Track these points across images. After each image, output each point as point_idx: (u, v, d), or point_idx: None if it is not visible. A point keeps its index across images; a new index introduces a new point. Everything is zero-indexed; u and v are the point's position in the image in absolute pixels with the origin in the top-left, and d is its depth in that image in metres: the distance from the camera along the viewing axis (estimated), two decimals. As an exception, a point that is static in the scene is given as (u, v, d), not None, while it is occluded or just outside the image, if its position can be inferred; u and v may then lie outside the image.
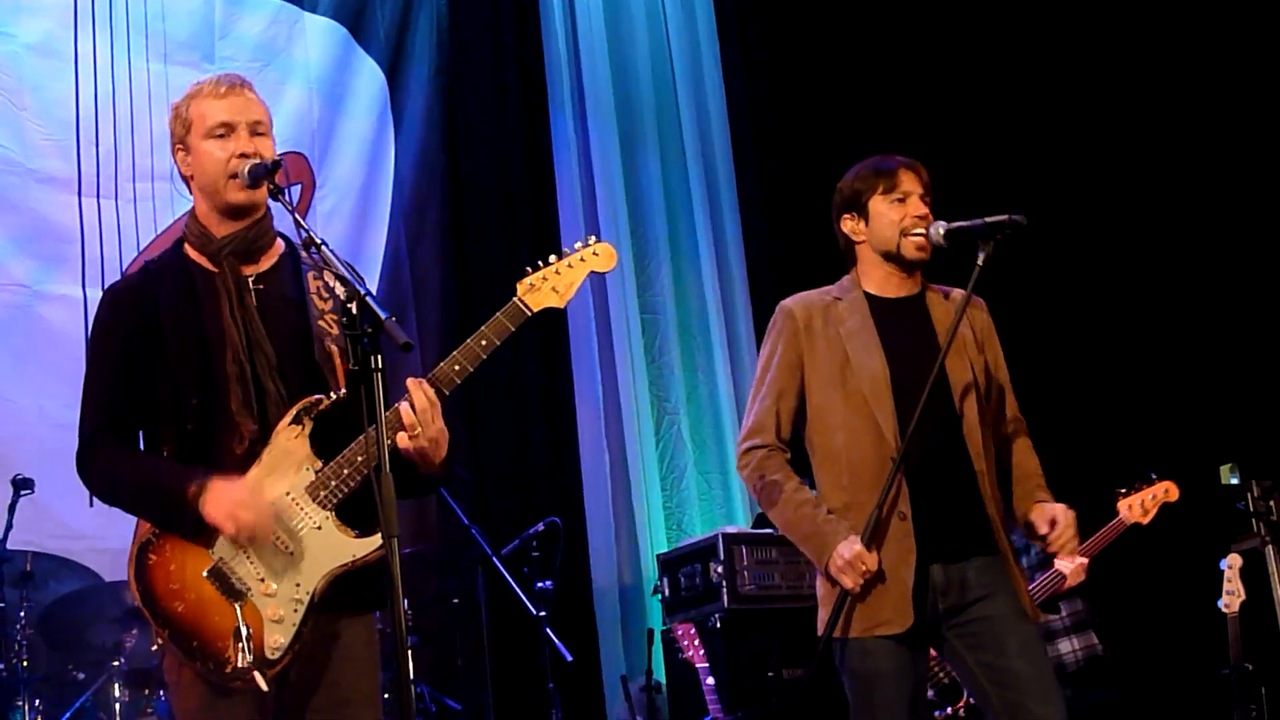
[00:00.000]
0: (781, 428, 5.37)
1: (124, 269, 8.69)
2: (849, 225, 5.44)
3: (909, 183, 5.36)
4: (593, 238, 4.72)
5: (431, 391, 4.32)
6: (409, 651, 6.66)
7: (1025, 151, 9.91)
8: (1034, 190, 9.84)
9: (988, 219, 5.13)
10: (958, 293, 5.42)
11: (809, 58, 11.31)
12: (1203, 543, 7.68)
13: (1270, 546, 7.45)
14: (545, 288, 4.53)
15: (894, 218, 5.32)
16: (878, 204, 5.36)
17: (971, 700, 6.72)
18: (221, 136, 4.41)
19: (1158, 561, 8.59)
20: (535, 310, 4.50)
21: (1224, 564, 7.32)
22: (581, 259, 4.64)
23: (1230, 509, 7.57)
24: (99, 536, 7.56)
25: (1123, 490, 7.46)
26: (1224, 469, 7.70)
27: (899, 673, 5.13)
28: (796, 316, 5.42)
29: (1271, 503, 7.52)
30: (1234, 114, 9.64)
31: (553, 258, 4.57)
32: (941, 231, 5.24)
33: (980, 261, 5.13)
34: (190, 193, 4.57)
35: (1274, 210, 9.59)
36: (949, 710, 7.40)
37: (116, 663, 7.28)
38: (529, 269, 4.54)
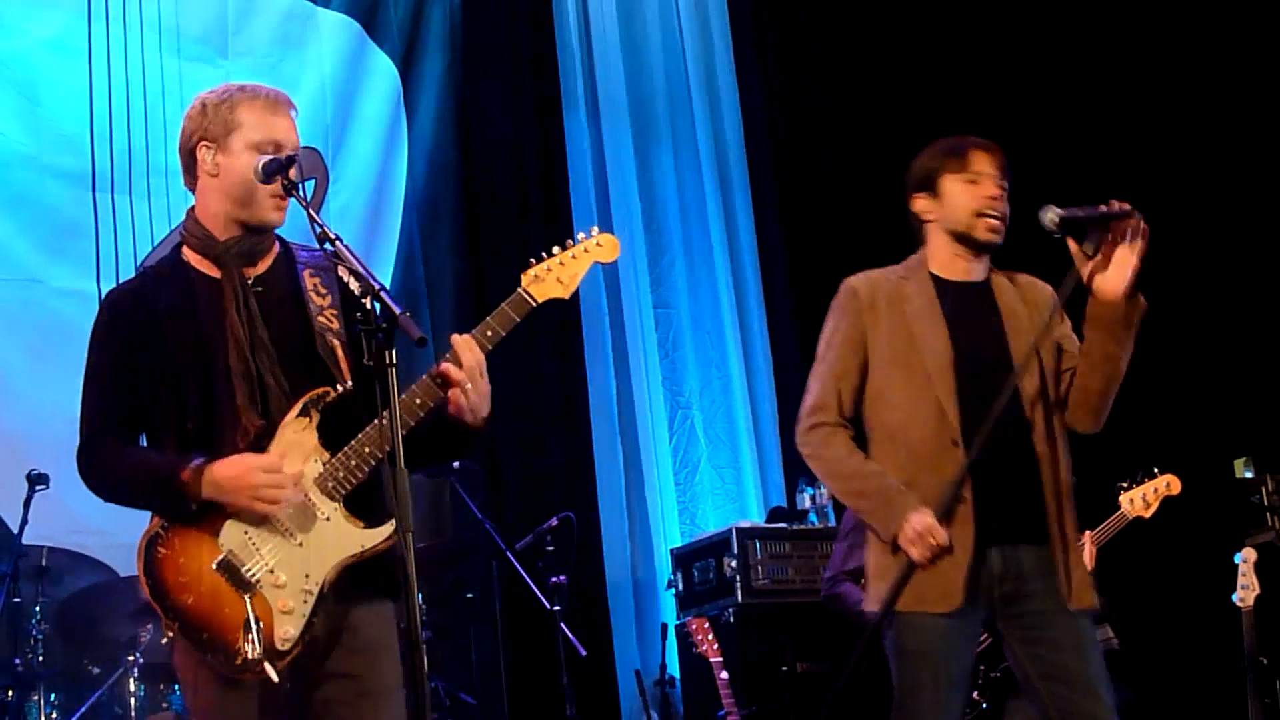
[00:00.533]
0: (844, 405, 5.33)
1: (138, 264, 8.70)
2: (921, 204, 5.40)
3: (982, 163, 5.30)
4: (595, 229, 4.74)
5: (479, 350, 4.34)
6: (423, 646, 6.69)
7: (1045, 143, 9.89)
8: (1054, 181, 9.84)
9: (1103, 210, 5.03)
10: (1022, 277, 5.41)
11: (822, 52, 11.31)
12: (1217, 537, 7.69)
13: (1285, 540, 7.46)
14: (550, 278, 4.57)
15: (967, 198, 5.28)
16: (950, 183, 5.31)
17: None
18: (268, 152, 4.42)
19: (1172, 556, 8.58)
20: (540, 301, 4.55)
21: (1238, 558, 7.33)
22: (585, 250, 4.68)
23: (1244, 503, 7.58)
24: (114, 531, 7.56)
25: (1124, 484, 7.46)
26: (1238, 463, 7.71)
27: (949, 654, 5.10)
28: (860, 294, 5.37)
29: (1286, 497, 7.53)
30: (1252, 103, 9.62)
31: (556, 249, 4.62)
32: (1057, 217, 5.05)
33: (1090, 254, 5.04)
34: (193, 188, 4.57)
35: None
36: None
37: (132, 657, 7.29)
38: (533, 260, 4.57)
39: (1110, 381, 5.19)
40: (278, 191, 4.41)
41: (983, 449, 5.03)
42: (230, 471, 4.23)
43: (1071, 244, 5.07)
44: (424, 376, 4.32)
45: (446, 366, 4.33)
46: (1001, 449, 5.09)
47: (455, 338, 4.38)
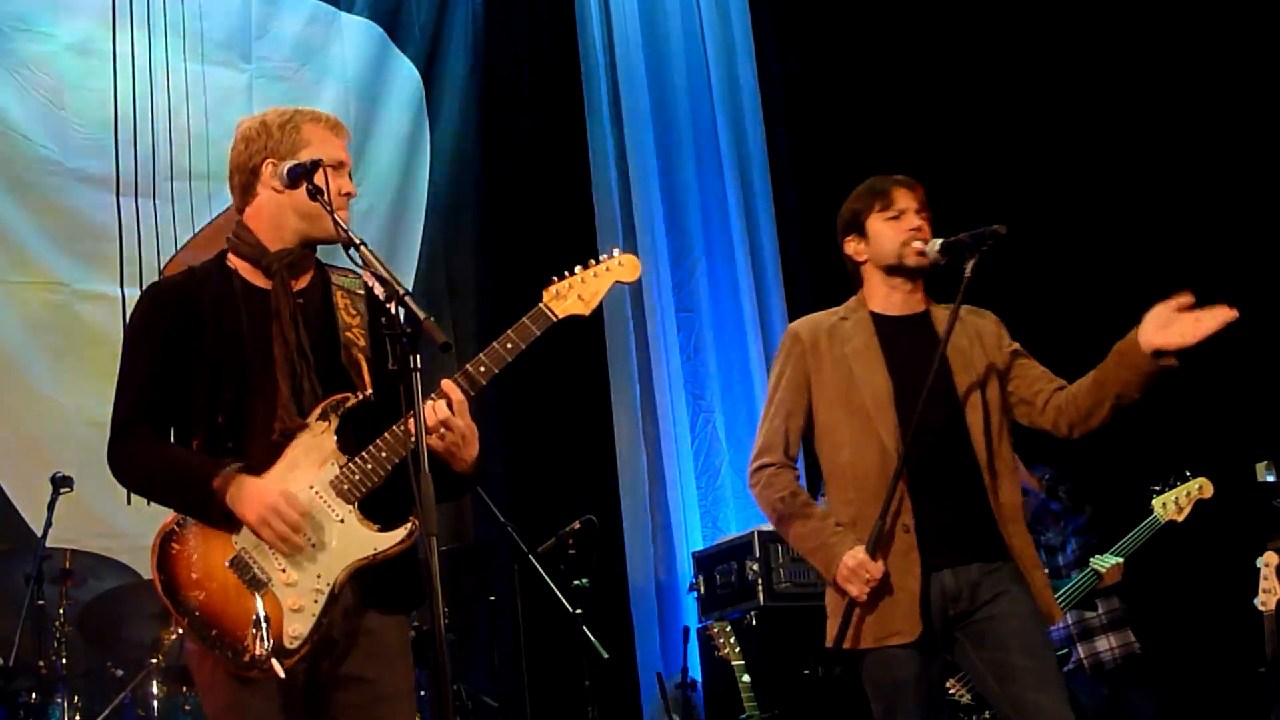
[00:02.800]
0: (790, 445, 5.53)
1: (162, 268, 8.73)
2: (852, 246, 5.59)
3: (903, 199, 5.50)
4: (617, 249, 4.86)
5: (459, 391, 4.39)
6: (446, 648, 6.71)
7: (1058, 153, 9.90)
8: (1065, 190, 9.85)
9: (971, 232, 5.28)
10: (964, 308, 5.50)
11: (842, 61, 11.31)
12: (1238, 540, 7.67)
13: (1307, 543, 7.45)
14: (571, 295, 4.67)
15: (891, 234, 5.46)
16: (875, 222, 5.51)
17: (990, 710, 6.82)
18: (333, 170, 4.50)
19: (1193, 559, 8.58)
20: (560, 317, 4.65)
21: (1260, 562, 7.32)
22: (607, 269, 4.79)
23: (1266, 506, 7.57)
24: (138, 534, 7.59)
25: (1157, 488, 7.46)
26: (1260, 466, 7.70)
27: (917, 679, 5.23)
28: (803, 338, 5.56)
29: (1306, 500, 7.52)
30: (1258, 102, 9.61)
31: (578, 267, 4.72)
32: (937, 247, 5.37)
33: (967, 272, 5.25)
34: (244, 203, 4.62)
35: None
36: None
37: (155, 660, 7.31)
38: (555, 277, 4.64)
39: (1108, 415, 5.33)
40: (343, 206, 4.48)
41: (927, 475, 5.24)
42: (253, 490, 4.28)
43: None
44: (393, 427, 4.35)
45: (431, 407, 4.37)
46: (945, 475, 5.28)
47: (444, 382, 4.44)
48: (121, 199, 8.95)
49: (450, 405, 4.38)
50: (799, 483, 5.53)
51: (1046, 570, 5.81)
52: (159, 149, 9.11)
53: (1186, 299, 5.15)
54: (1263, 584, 7.33)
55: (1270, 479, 7.70)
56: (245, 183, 4.62)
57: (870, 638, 5.24)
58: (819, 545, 5.36)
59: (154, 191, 9.03)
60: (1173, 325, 5.14)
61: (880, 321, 5.51)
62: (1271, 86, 9.47)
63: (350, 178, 4.65)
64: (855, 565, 5.17)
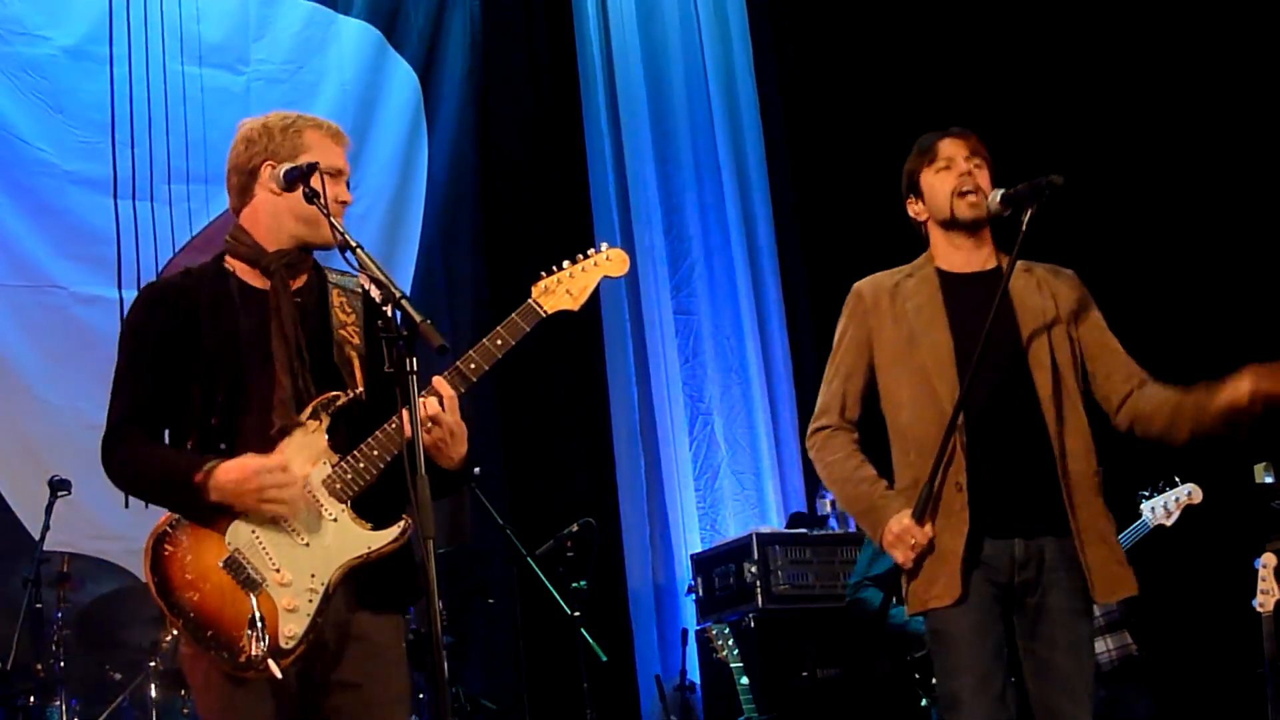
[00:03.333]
0: (847, 408, 5.37)
1: (159, 270, 8.74)
2: (912, 209, 5.45)
3: (950, 149, 5.35)
4: (605, 244, 4.85)
5: (450, 388, 4.39)
6: (444, 651, 6.71)
7: (1047, 158, 9.91)
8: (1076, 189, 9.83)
9: (1030, 182, 5.13)
10: (1043, 267, 5.40)
11: (841, 58, 11.31)
12: (1237, 542, 7.67)
13: (1305, 544, 7.44)
14: (559, 290, 4.68)
15: (943, 186, 5.31)
16: (927, 178, 5.36)
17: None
18: (329, 178, 4.51)
19: (1191, 561, 8.57)
20: (549, 312, 4.65)
21: (1258, 563, 7.30)
22: (595, 264, 4.78)
23: (1264, 508, 7.56)
24: (135, 537, 7.51)
25: (1146, 492, 7.46)
26: (1258, 468, 7.70)
27: (979, 630, 5.05)
28: (865, 297, 5.41)
29: (1306, 500, 7.52)
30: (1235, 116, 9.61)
31: (566, 262, 4.73)
32: (998, 198, 5.21)
33: (1024, 224, 5.11)
34: (241, 205, 4.63)
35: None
36: None
37: (153, 663, 7.31)
38: (543, 272, 4.65)
39: (1185, 441, 5.22)
40: (339, 214, 4.49)
41: (989, 438, 5.07)
42: (234, 475, 4.29)
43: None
44: (384, 425, 4.35)
45: (426, 402, 4.36)
46: (1009, 439, 5.11)
47: (435, 379, 4.43)
48: (119, 202, 8.96)
49: (441, 402, 4.37)
50: (855, 445, 5.37)
51: None
52: (156, 152, 9.11)
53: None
54: (1261, 585, 7.32)
55: (1268, 480, 7.70)
56: (243, 184, 4.63)
57: (916, 602, 5.13)
58: (868, 508, 5.25)
59: (151, 194, 9.03)
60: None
61: (946, 278, 5.34)
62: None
63: (348, 186, 4.66)
64: (900, 531, 5.05)
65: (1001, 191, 5.21)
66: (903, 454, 5.27)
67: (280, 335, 4.44)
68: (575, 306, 4.70)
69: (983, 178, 5.30)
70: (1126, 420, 5.28)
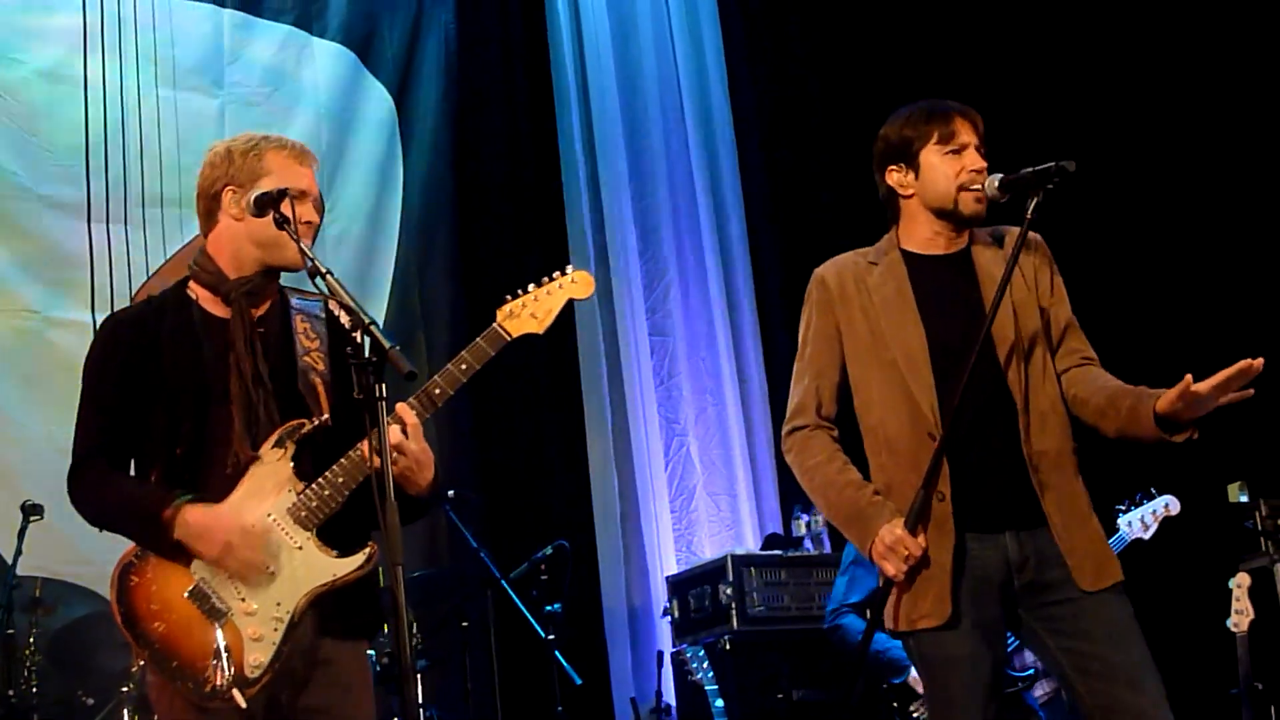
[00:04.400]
0: (823, 404, 4.99)
1: (133, 294, 8.72)
2: (896, 178, 5.00)
3: (966, 133, 4.94)
4: (570, 266, 4.81)
5: (413, 415, 4.39)
6: (418, 675, 6.70)
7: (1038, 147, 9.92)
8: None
9: (1036, 167, 4.78)
10: (1004, 230, 5.03)
11: (817, 81, 11.34)
12: (1211, 561, 7.68)
13: (1279, 565, 7.45)
14: (524, 314, 4.65)
15: (950, 171, 4.89)
16: (931, 155, 4.93)
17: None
18: (295, 199, 4.49)
19: (1166, 580, 8.58)
20: (514, 336, 4.63)
21: (1232, 583, 7.32)
22: (560, 286, 4.74)
23: (1239, 527, 7.57)
24: (109, 562, 7.48)
25: (1122, 506, 7.46)
26: (1232, 487, 7.70)
27: (975, 657, 4.71)
28: (830, 284, 5.05)
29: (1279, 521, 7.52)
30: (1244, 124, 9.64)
31: (531, 285, 4.70)
32: (996, 183, 4.83)
33: (1029, 213, 4.76)
34: (209, 230, 4.63)
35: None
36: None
37: (125, 688, 7.28)
38: (508, 296, 4.64)
39: (1093, 425, 4.89)
40: (306, 235, 4.49)
41: (965, 435, 4.71)
42: (205, 521, 4.28)
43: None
44: (349, 452, 4.35)
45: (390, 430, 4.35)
46: (984, 430, 4.76)
47: (399, 405, 4.41)
48: (93, 225, 8.93)
49: (405, 429, 4.37)
50: (836, 446, 4.97)
51: None
52: (130, 175, 9.09)
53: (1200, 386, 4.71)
54: (1235, 605, 7.33)
55: (1243, 500, 7.70)
56: (208, 208, 4.64)
57: (904, 620, 4.75)
58: (854, 516, 4.85)
59: (125, 218, 9.01)
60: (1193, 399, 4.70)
61: (913, 262, 4.96)
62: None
63: (318, 206, 4.64)
64: (892, 541, 4.67)
65: (1000, 176, 4.85)
66: (874, 454, 4.93)
67: (236, 370, 4.43)
68: (541, 329, 4.68)
69: (985, 169, 4.92)
70: (1072, 399, 4.90)
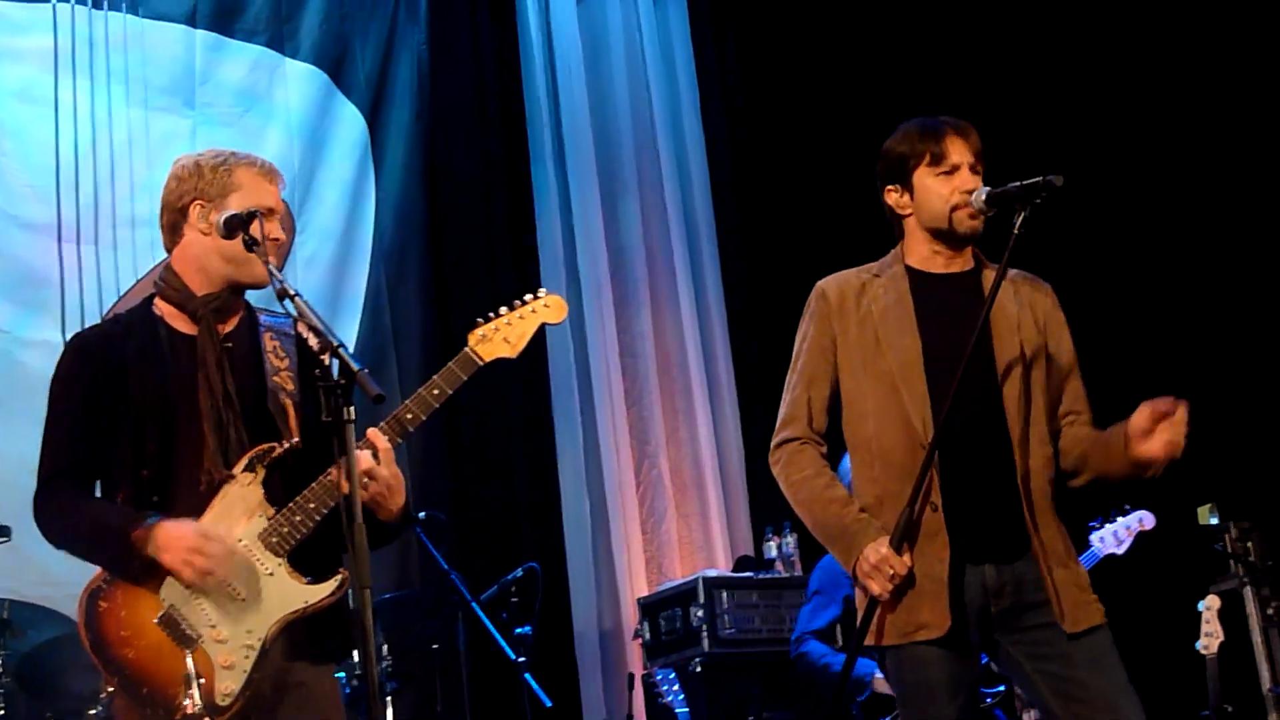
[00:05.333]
0: (814, 418, 4.99)
1: (104, 314, 8.69)
2: (894, 198, 5.03)
3: (958, 152, 4.93)
4: (543, 290, 4.81)
5: (385, 440, 4.38)
6: (388, 697, 6.70)
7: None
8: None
9: (1023, 182, 4.77)
10: (1022, 277, 5.07)
11: (789, 102, 11.35)
12: (1181, 584, 7.69)
13: (1248, 588, 7.46)
14: (497, 338, 4.65)
15: (943, 192, 4.91)
16: (924, 177, 4.94)
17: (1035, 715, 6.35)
18: (264, 216, 4.49)
19: (1135, 602, 8.59)
20: (486, 360, 4.63)
21: (1202, 605, 7.33)
22: (533, 310, 4.75)
23: (1208, 550, 7.57)
24: (77, 584, 7.44)
25: (1095, 523, 7.47)
26: (1202, 510, 7.70)
27: (954, 683, 4.74)
28: (829, 297, 5.03)
29: (1249, 544, 7.53)
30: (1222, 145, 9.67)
31: (504, 309, 4.69)
32: (983, 197, 4.85)
33: (1015, 227, 4.74)
34: (173, 245, 4.62)
35: (1252, 253, 9.63)
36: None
37: (94, 710, 7.24)
38: (480, 320, 4.62)
39: (1084, 484, 5.00)
40: (272, 253, 4.47)
41: (957, 454, 4.75)
42: (173, 531, 4.25)
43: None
44: (333, 466, 4.34)
45: (360, 455, 4.33)
46: (976, 454, 4.79)
47: (370, 430, 4.41)
48: (63, 245, 8.90)
49: (376, 454, 4.36)
50: (824, 461, 4.98)
51: None
52: (101, 195, 9.06)
53: (1167, 407, 4.75)
54: (1205, 628, 7.35)
55: (1213, 522, 7.71)
56: (173, 222, 4.63)
57: (895, 632, 4.73)
58: (839, 534, 4.84)
59: (96, 238, 8.98)
60: (1155, 434, 4.75)
61: (917, 278, 4.98)
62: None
63: (286, 225, 4.65)
64: (877, 560, 4.67)
65: (987, 190, 4.87)
66: (865, 466, 4.95)
67: (206, 388, 4.42)
68: (513, 354, 4.67)
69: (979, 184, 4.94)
70: (1062, 447, 4.97)
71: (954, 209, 4.90)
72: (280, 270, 4.38)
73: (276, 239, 4.58)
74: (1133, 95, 10.01)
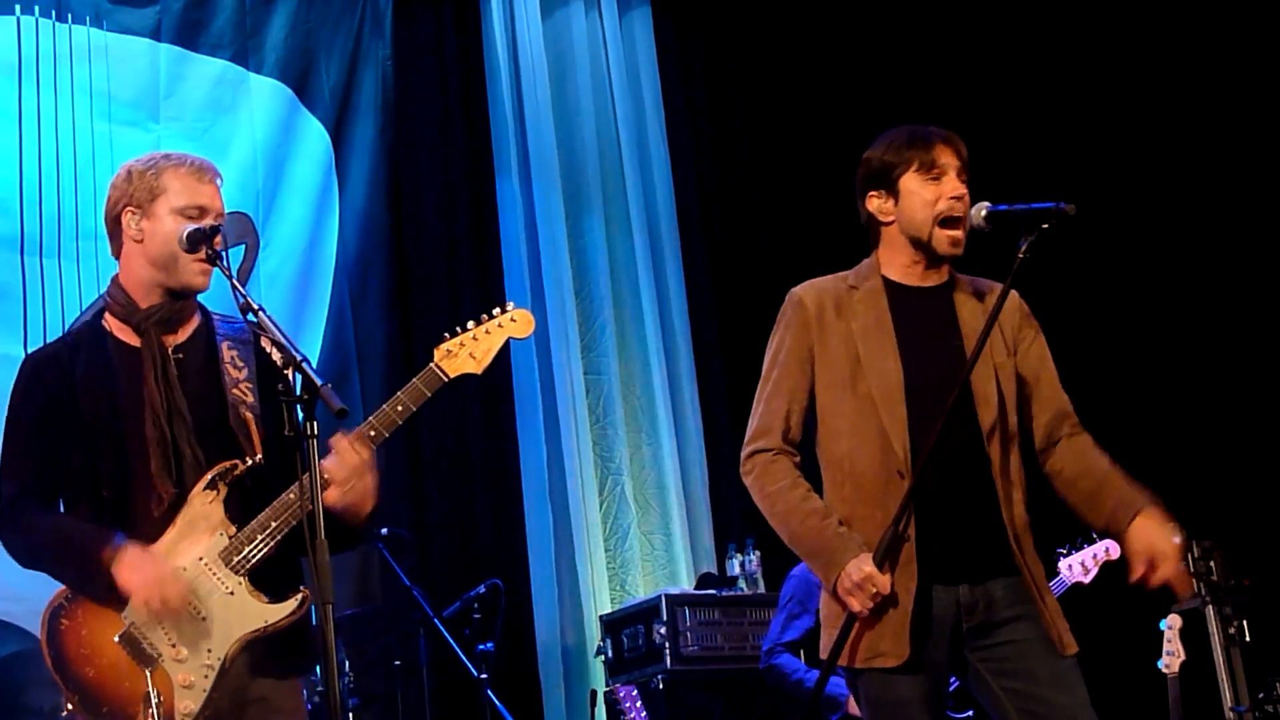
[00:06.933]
0: (791, 429, 4.90)
1: (65, 328, 8.65)
2: (876, 204, 4.93)
3: (945, 156, 4.86)
4: (510, 304, 4.77)
5: (365, 449, 4.36)
6: (350, 714, 6.66)
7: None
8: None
9: (1034, 205, 4.71)
10: (987, 284, 4.98)
11: (754, 117, 11.38)
12: (1143, 603, 7.69)
13: (1210, 607, 7.49)
14: (463, 354, 4.61)
15: (928, 196, 4.83)
16: (910, 181, 4.86)
17: None
18: (193, 218, 4.45)
19: (1098, 622, 8.60)
20: (452, 376, 4.59)
21: (1164, 624, 7.35)
22: (499, 325, 4.71)
23: (1171, 570, 7.59)
24: (40, 599, 7.45)
25: (1063, 550, 7.48)
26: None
27: (920, 700, 4.72)
28: (808, 305, 4.93)
29: (1212, 563, 7.56)
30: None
31: (470, 324, 4.65)
32: (984, 213, 4.78)
33: (1021, 252, 4.70)
34: (118, 254, 4.60)
35: (1222, 269, 9.67)
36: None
37: (56, 726, 7.23)
38: (446, 335, 4.59)
39: (1072, 509, 5.00)
40: (201, 257, 4.43)
41: (934, 481, 4.68)
42: (136, 561, 4.25)
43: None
44: (283, 495, 4.32)
45: (327, 465, 4.32)
46: (954, 481, 4.74)
47: (336, 439, 4.38)
48: (26, 258, 8.86)
49: (344, 463, 4.34)
50: (798, 473, 4.89)
51: None
52: (65, 208, 9.02)
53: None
54: (1166, 646, 7.37)
55: (1175, 541, 7.73)
56: (111, 231, 4.62)
57: (858, 656, 4.69)
58: (818, 548, 4.77)
59: (59, 251, 8.94)
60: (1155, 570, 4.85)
61: (894, 292, 4.90)
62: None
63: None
64: (861, 579, 4.61)
65: (988, 207, 4.81)
66: (836, 486, 4.88)
67: (150, 407, 4.39)
68: (479, 370, 4.63)
69: (967, 202, 4.87)
70: (1047, 468, 4.97)
71: (937, 222, 4.83)
72: (244, 282, 4.37)
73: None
74: (1116, 99, 10.05)
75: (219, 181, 4.66)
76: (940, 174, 4.85)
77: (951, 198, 4.83)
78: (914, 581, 4.68)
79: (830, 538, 4.75)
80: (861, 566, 4.63)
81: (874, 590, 4.62)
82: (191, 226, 4.43)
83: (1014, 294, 4.96)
